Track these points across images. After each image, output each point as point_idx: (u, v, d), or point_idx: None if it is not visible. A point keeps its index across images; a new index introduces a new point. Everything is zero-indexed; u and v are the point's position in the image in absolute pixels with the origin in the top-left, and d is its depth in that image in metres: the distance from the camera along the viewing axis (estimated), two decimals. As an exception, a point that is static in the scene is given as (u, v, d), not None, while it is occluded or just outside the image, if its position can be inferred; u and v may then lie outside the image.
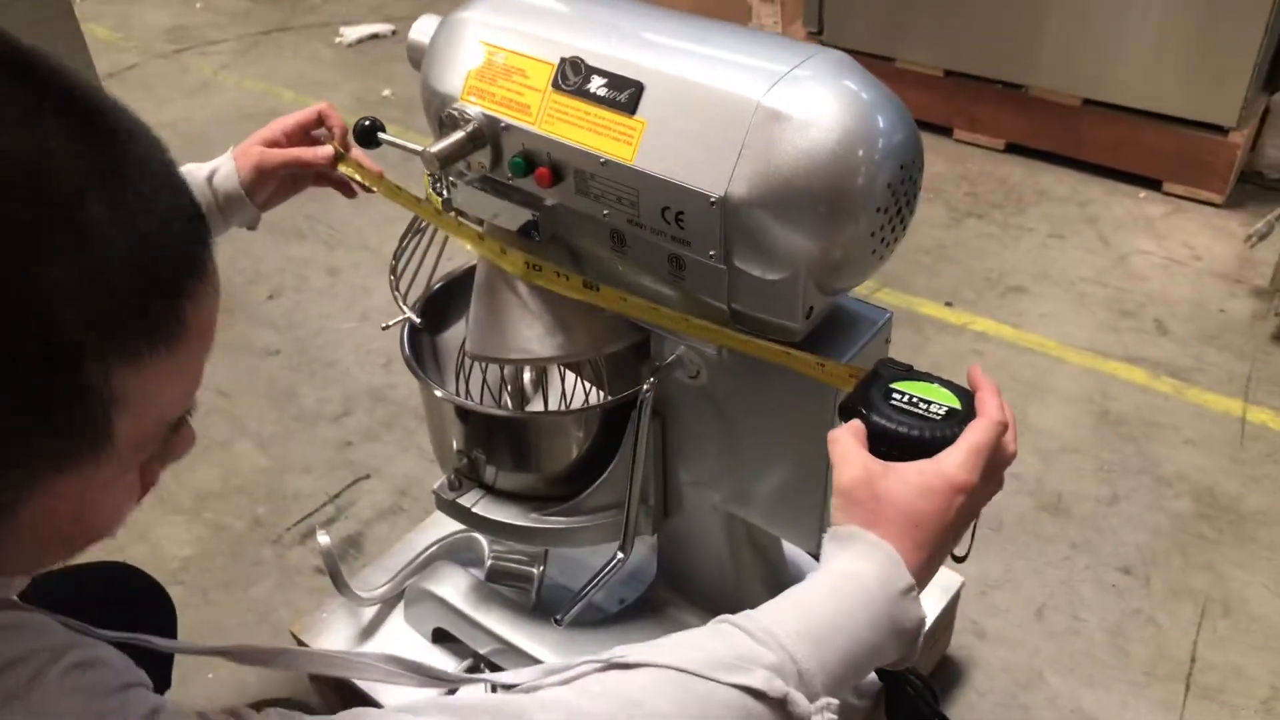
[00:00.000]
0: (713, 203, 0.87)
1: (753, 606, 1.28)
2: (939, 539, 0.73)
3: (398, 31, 3.55)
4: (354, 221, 2.58)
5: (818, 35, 2.82)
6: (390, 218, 2.55)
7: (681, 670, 0.64)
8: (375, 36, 3.52)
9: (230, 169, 1.15)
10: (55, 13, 2.08)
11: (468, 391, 1.22)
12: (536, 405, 1.29)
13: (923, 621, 0.74)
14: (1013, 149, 2.72)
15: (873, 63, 2.77)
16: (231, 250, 2.42)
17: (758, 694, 0.63)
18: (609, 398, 1.13)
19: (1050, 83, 2.59)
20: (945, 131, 2.78)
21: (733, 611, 1.26)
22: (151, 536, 1.79)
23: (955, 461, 0.75)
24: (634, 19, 0.98)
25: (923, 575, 0.74)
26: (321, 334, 2.23)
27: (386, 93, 3.19)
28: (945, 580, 1.46)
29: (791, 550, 1.35)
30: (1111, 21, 2.45)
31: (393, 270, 1.17)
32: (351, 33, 3.50)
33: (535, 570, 1.38)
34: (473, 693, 0.71)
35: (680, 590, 1.31)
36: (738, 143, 0.86)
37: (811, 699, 0.65)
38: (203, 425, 1.98)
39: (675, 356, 1.06)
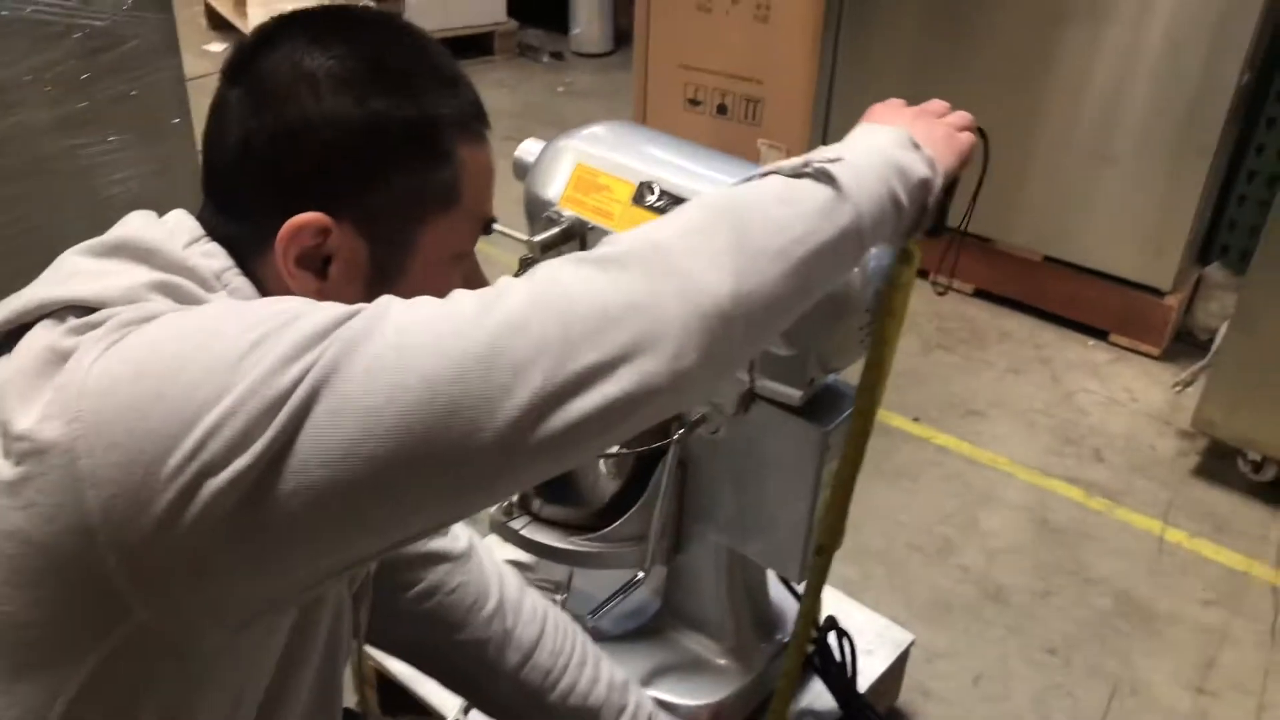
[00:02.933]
0: (746, 295, 1.19)
1: (740, 636, 1.55)
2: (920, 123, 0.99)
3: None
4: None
5: (818, 180, 3.21)
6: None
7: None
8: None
9: None
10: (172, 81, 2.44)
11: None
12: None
13: (923, 175, 0.92)
14: (981, 294, 3.09)
15: (864, 208, 3.15)
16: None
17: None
18: (641, 448, 1.43)
19: (1016, 239, 2.97)
20: (923, 275, 3.14)
21: (723, 637, 1.53)
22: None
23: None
24: (691, 157, 1.32)
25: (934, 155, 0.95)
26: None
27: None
28: (896, 637, 1.74)
29: (776, 593, 1.63)
30: (1071, 191, 2.85)
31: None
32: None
33: (558, 598, 1.65)
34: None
35: (680, 618, 1.59)
36: (768, 253, 1.19)
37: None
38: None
39: (701, 415, 1.37)
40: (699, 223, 0.77)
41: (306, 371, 0.64)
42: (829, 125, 3.14)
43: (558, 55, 4.64)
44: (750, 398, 1.31)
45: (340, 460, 0.63)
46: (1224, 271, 2.83)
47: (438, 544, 1.23)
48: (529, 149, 1.43)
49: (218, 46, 4.54)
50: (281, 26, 0.84)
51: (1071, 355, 2.87)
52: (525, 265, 1.42)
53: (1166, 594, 2.10)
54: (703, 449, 1.41)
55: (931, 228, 1.05)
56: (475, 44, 4.49)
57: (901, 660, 1.75)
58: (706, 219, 0.78)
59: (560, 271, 0.72)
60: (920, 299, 3.06)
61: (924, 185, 0.92)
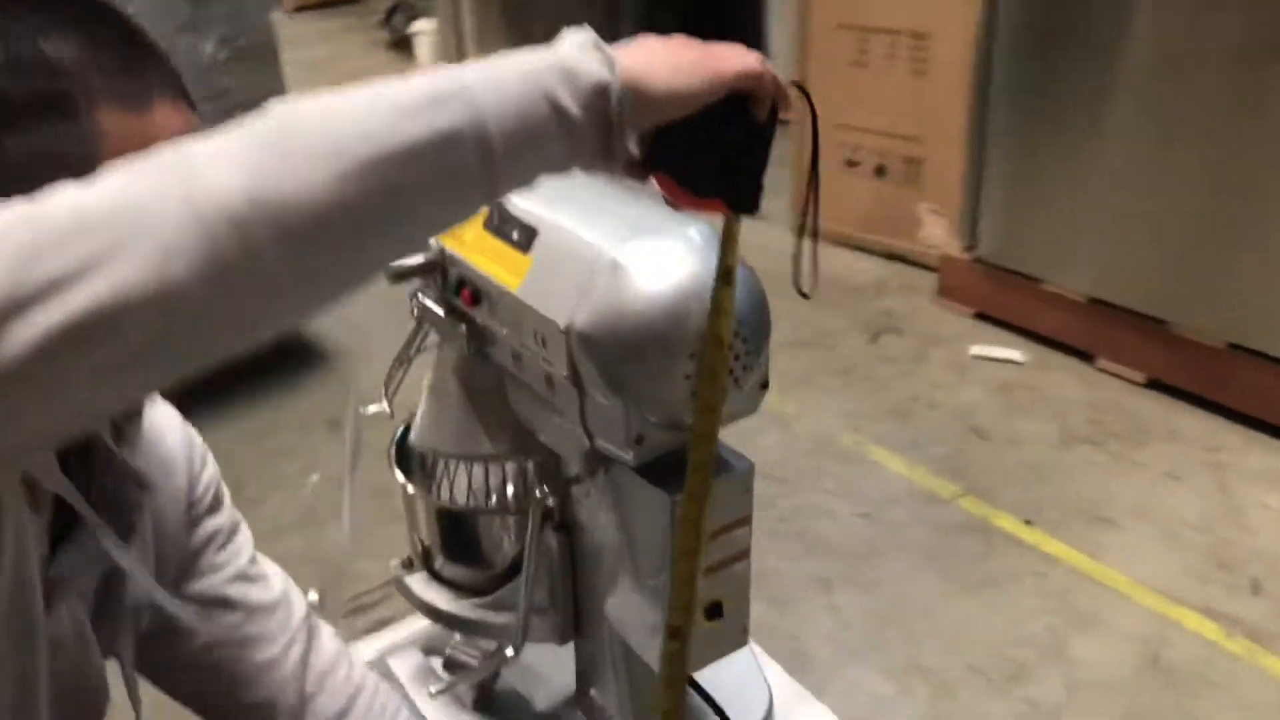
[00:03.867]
0: (561, 330, 1.02)
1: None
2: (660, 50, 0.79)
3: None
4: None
5: (972, 249, 2.89)
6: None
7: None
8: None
9: None
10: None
11: (430, 487, 1.39)
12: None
13: (598, 77, 0.73)
14: (1156, 385, 2.64)
15: (1021, 282, 2.80)
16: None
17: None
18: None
19: (1195, 322, 2.52)
20: (1088, 357, 2.74)
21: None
22: (232, 588, 2.04)
23: None
24: (573, 185, 1.16)
25: (637, 65, 0.76)
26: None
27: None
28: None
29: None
30: (1262, 268, 2.38)
31: (388, 379, 1.38)
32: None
33: (486, 668, 1.49)
34: None
35: (585, 712, 1.38)
36: (585, 283, 1.01)
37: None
38: (310, 505, 2.24)
39: (574, 474, 1.19)
40: (255, 128, 0.65)
41: None
42: (982, 187, 2.82)
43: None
44: (596, 458, 1.13)
45: None
46: None
47: (235, 590, 1.13)
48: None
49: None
50: None
51: (1253, 462, 2.37)
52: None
53: (1302, 769, 1.64)
54: (585, 515, 1.22)
55: (743, 204, 0.88)
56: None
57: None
58: (267, 124, 0.65)
59: (69, 185, 0.62)
60: (1076, 382, 2.66)
61: (599, 91, 0.73)
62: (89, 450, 0.92)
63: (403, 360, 1.38)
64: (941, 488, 2.31)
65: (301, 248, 0.62)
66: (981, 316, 2.94)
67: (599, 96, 0.73)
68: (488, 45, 4.27)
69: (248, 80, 2.41)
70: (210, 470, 1.12)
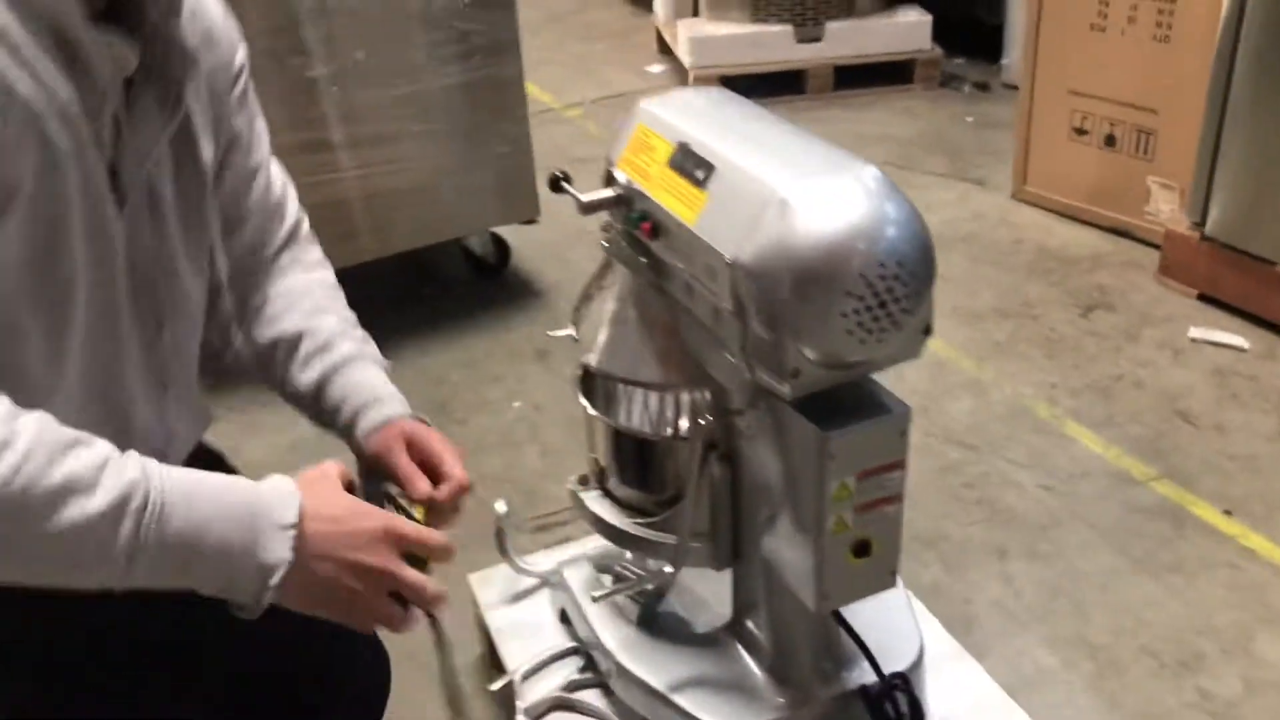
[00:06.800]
0: (728, 263, 1.08)
1: (790, 669, 1.37)
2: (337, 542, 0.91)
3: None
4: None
5: (1200, 226, 2.73)
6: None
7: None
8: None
9: None
10: (509, 77, 2.70)
11: (606, 409, 1.48)
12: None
13: (279, 563, 0.87)
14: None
15: (1253, 264, 2.63)
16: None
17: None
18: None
19: None
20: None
21: (767, 662, 1.37)
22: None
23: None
24: (747, 121, 1.22)
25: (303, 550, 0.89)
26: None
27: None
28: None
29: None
30: None
31: (576, 307, 1.48)
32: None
33: (644, 581, 1.56)
34: None
35: (737, 633, 1.45)
36: (754, 219, 1.06)
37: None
38: (510, 428, 2.39)
39: (737, 406, 1.25)
40: None
41: None
42: (1217, 161, 2.65)
43: (982, 86, 4.38)
44: (756, 390, 1.18)
45: None
46: None
47: None
48: (629, 118, 1.41)
49: (658, 68, 4.88)
50: None
51: None
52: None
53: None
54: (748, 447, 1.28)
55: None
56: (894, 71, 4.38)
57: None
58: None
59: None
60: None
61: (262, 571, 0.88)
62: (140, 21, 0.93)
63: (591, 290, 1.48)
64: (1136, 469, 2.22)
65: None
66: (1205, 298, 2.78)
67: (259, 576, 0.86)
68: (719, 7, 4.33)
69: (486, 26, 2.56)
70: (242, 53, 1.15)
